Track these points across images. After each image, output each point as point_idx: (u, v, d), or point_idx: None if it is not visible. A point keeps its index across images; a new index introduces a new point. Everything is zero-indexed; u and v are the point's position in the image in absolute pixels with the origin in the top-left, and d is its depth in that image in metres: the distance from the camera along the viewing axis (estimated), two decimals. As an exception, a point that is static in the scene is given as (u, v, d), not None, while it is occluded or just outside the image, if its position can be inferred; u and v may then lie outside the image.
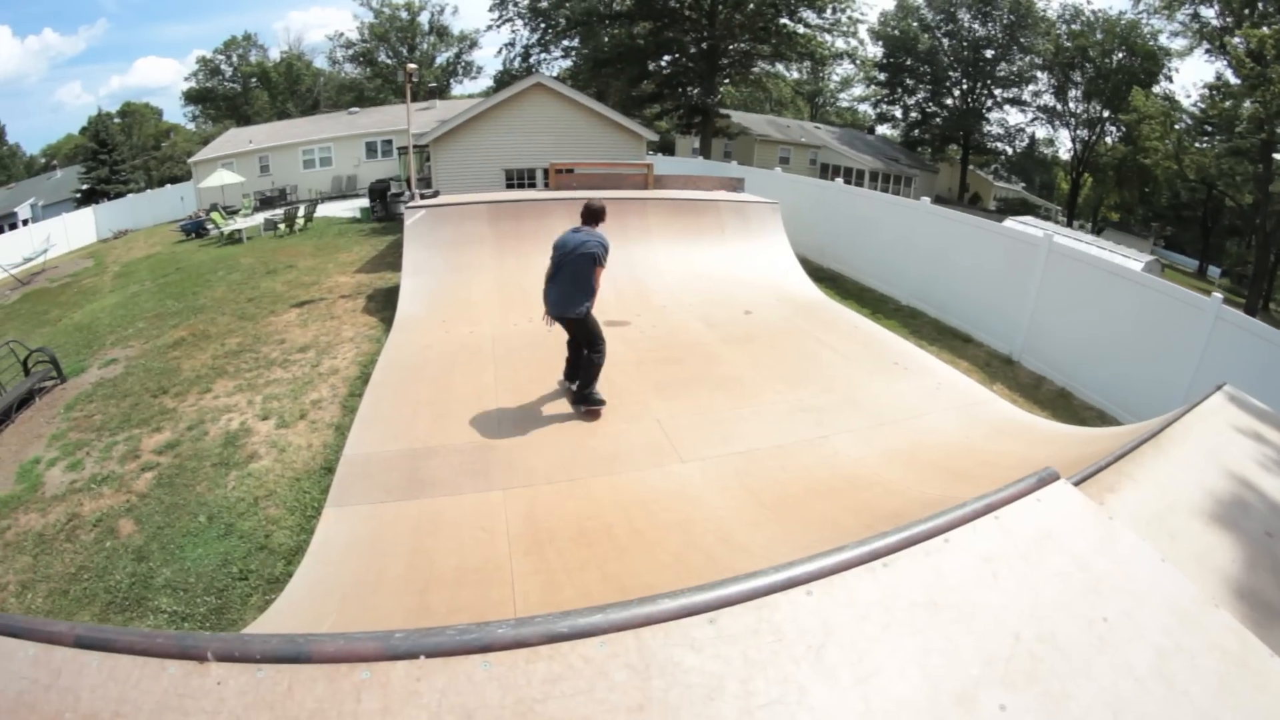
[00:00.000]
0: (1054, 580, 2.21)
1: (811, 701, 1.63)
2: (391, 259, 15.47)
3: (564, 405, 6.96)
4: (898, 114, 58.85)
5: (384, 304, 11.77)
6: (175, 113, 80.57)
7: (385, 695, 1.52)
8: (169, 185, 38.59)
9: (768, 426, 6.66)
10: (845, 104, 67.73)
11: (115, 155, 44.46)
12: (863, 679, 1.71)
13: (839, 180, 18.81)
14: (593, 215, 6.65)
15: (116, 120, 56.35)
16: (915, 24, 52.86)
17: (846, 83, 63.69)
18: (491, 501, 5.22)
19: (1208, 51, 33.48)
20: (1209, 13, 32.90)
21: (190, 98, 61.74)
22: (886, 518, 4.58)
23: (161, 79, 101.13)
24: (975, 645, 1.90)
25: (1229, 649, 2.09)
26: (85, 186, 42.72)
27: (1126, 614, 2.13)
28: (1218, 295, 8.85)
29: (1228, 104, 31.15)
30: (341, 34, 60.40)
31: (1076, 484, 3.08)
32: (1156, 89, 40.96)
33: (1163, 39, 40.33)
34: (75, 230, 29.46)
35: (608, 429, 6.49)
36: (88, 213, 31.62)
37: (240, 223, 23.44)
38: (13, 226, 33.21)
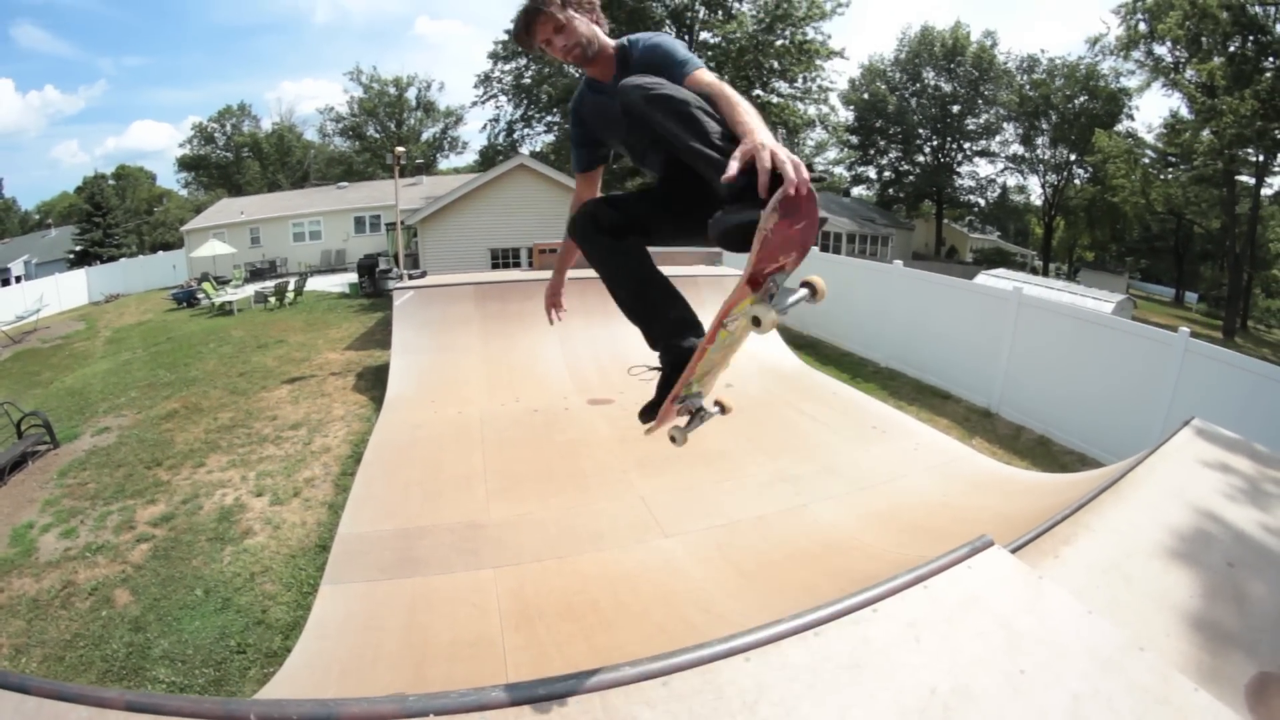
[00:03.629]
0: (975, 639, 2.45)
1: (744, 748, 1.95)
2: (380, 336, 15.75)
3: (549, 484, 7.17)
4: (871, 174, 60.06)
5: (373, 382, 11.98)
6: (169, 177, 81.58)
7: (402, 748, 1.84)
8: (161, 251, 39.08)
9: (749, 498, 6.86)
10: (820, 167, 68.96)
11: (109, 218, 44.77)
12: (788, 730, 2.03)
13: (815, 247, 19.30)
14: None
15: (111, 182, 56.96)
16: (883, 86, 54.43)
17: (820, 146, 64.92)
18: (482, 579, 5.42)
19: (1163, 86, 34.61)
20: (1161, 50, 34.12)
21: (184, 164, 62.77)
22: (861, 580, 4.79)
23: (156, 142, 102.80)
24: (892, 699, 2.17)
25: (1149, 688, 2.27)
26: (79, 248, 42.98)
27: (1044, 665, 2.33)
28: (1184, 330, 9.19)
29: (1185, 135, 32.22)
30: (331, 108, 61.75)
31: (1029, 541, 3.32)
32: (1120, 128, 42.23)
33: (1121, 79, 41.77)
34: (67, 291, 29.64)
35: (593, 507, 6.69)
36: (80, 274, 31.83)
37: (231, 294, 23.70)
38: (4, 283, 33.38)
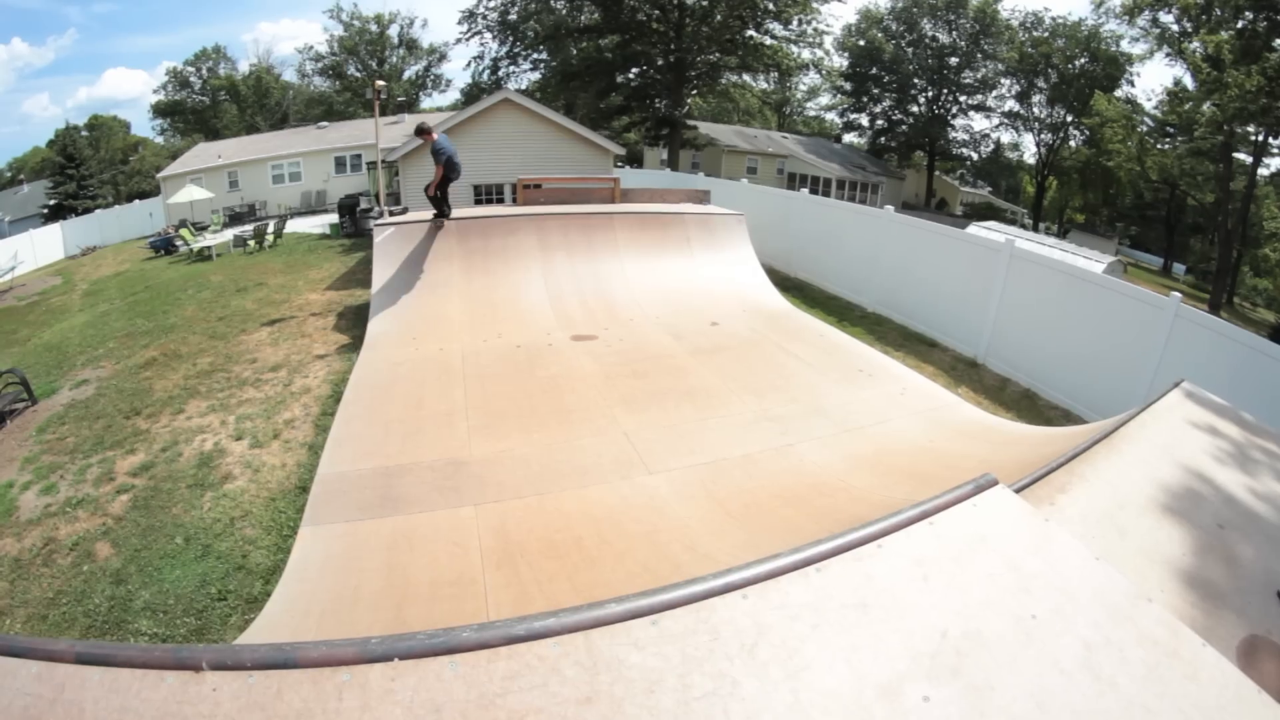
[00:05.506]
0: (984, 581, 2.34)
1: (743, 694, 1.79)
2: (361, 275, 15.49)
3: (532, 420, 7.06)
4: (864, 122, 59.77)
5: (354, 321, 11.81)
6: (143, 125, 79.67)
7: (364, 694, 1.68)
8: (137, 200, 38.25)
9: (734, 436, 6.78)
10: (812, 113, 68.57)
11: (83, 170, 44.09)
12: (792, 674, 1.88)
13: (805, 190, 19.10)
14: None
15: (84, 134, 55.75)
16: (880, 34, 53.71)
17: (813, 92, 64.56)
18: (463, 517, 5.34)
19: (1167, 56, 34.35)
20: (1168, 18, 33.79)
21: (159, 110, 61.22)
22: (849, 522, 4.74)
23: (130, 90, 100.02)
24: (902, 642, 2.05)
25: (1159, 640, 2.19)
26: (52, 201, 42.26)
27: (1056, 610, 2.24)
28: (1176, 295, 9.07)
29: (1187, 107, 32.02)
30: (311, 47, 60.28)
31: (1026, 486, 3.21)
32: (1119, 93, 42.04)
33: (1124, 44, 41.55)
34: (43, 247, 29.10)
35: (576, 443, 6.60)
36: (55, 229, 31.26)
37: (209, 239, 23.25)
38: (-23, 243, 32.74)
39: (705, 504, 5.58)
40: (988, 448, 6.47)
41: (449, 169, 11.01)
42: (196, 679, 1.70)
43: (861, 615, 2.11)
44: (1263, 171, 34.14)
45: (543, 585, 4.43)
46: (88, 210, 38.24)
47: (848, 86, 57.34)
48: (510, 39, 42.95)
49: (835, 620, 2.07)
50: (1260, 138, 31.12)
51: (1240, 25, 29.13)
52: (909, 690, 1.93)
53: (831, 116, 65.57)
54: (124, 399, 9.68)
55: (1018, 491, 3.06)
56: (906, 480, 5.77)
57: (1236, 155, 32.61)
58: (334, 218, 26.07)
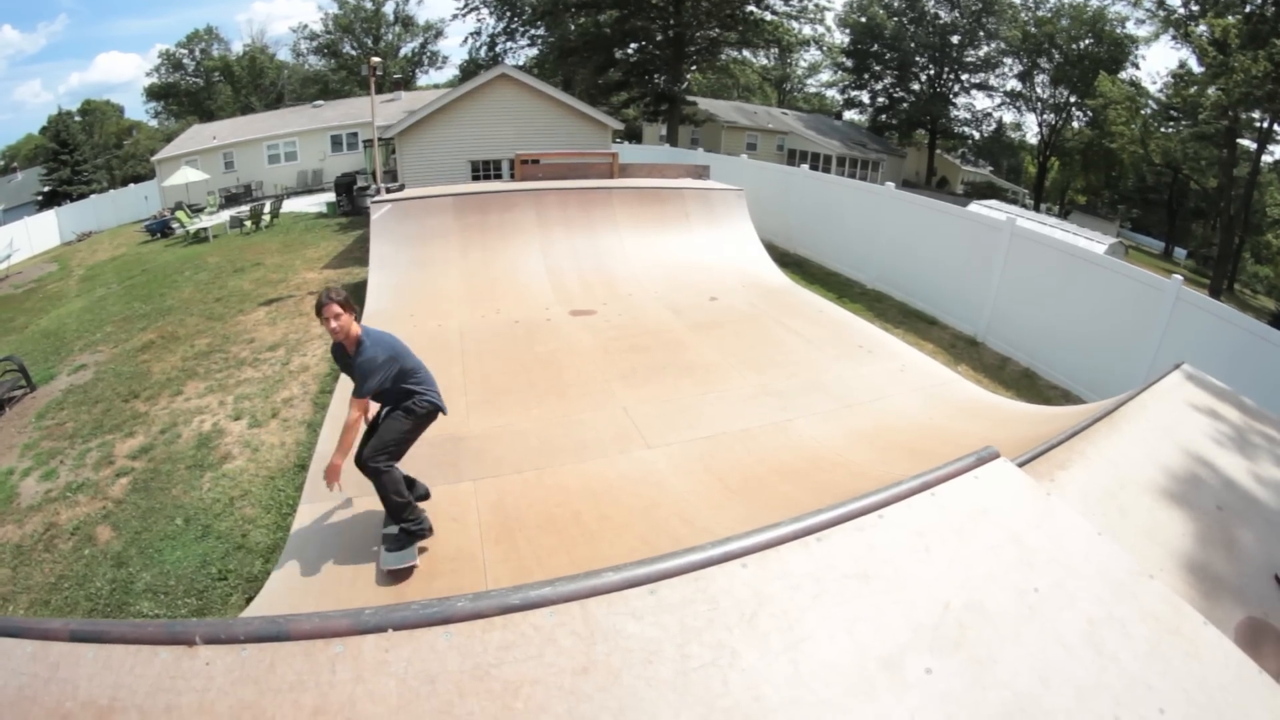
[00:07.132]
0: (987, 554, 2.33)
1: (743, 664, 1.78)
2: (359, 253, 15.39)
3: (530, 395, 7.04)
4: (865, 99, 59.12)
5: (352, 299, 11.72)
6: (137, 109, 78.63)
7: (357, 666, 1.67)
8: (132, 184, 37.90)
9: (733, 411, 6.78)
10: (813, 89, 67.89)
11: (77, 155, 43.66)
12: (792, 644, 1.86)
13: (805, 166, 18.98)
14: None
15: (77, 119, 55.10)
16: (881, 10, 53.12)
17: (814, 69, 63.93)
18: (462, 492, 5.34)
19: (1173, 38, 33.91)
20: (1175, 1, 33.39)
21: (152, 94, 60.53)
22: (847, 497, 4.73)
23: (123, 74, 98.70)
24: (904, 614, 2.04)
25: (1162, 617, 2.20)
26: (47, 188, 41.96)
27: (1059, 585, 2.24)
28: (1178, 277, 9.01)
29: (1192, 90, 31.66)
30: (305, 26, 59.83)
31: (1027, 462, 3.19)
32: (1123, 75, 41.57)
33: (1129, 26, 40.99)
34: (38, 234, 28.87)
35: (574, 418, 6.60)
36: (50, 215, 31.02)
37: (206, 221, 23.09)
38: (-29, 232, 32.58)
39: (704, 478, 5.58)
40: (987, 425, 6.46)
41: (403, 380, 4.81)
42: (190, 653, 1.68)
43: (863, 586, 2.09)
44: (1267, 158, 33.79)
45: (541, 559, 4.43)
46: (83, 196, 37.84)
47: (849, 63, 56.75)
48: (508, 15, 42.63)
49: (836, 590, 2.05)
50: (1265, 124, 30.71)
51: (1248, 9, 28.62)
52: (911, 662, 1.92)
53: (832, 93, 64.96)
54: (122, 382, 9.65)
55: (1019, 467, 3.05)
56: (906, 456, 5.77)
57: (1241, 141, 32.22)
58: (331, 196, 25.88)
